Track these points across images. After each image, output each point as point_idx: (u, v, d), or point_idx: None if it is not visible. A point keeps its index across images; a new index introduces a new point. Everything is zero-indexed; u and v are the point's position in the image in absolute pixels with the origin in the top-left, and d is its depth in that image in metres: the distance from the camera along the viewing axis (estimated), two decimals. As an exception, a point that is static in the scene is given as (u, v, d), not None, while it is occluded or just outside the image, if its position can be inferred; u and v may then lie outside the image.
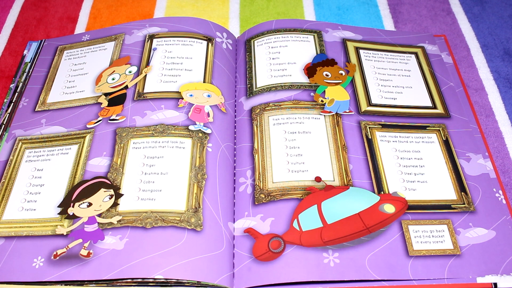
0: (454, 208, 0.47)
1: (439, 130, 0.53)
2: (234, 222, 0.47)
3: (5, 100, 0.58)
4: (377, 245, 0.44)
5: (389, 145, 0.51)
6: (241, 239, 0.45)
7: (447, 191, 0.48)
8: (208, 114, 0.53)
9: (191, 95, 0.54)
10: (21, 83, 0.60)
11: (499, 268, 0.43)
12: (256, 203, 0.47)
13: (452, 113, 0.55)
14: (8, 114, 0.57)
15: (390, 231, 0.45)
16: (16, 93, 0.59)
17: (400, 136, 0.52)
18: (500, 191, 0.49)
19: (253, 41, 0.61)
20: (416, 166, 0.50)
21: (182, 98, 0.54)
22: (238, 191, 0.49)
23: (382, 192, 0.48)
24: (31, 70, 0.61)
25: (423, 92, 0.57)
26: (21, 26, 0.70)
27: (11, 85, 0.60)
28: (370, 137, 0.52)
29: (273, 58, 0.59)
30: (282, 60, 0.59)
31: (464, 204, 0.47)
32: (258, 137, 0.52)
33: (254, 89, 0.56)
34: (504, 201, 0.48)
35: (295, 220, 0.46)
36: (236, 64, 0.61)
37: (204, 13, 0.70)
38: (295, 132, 0.52)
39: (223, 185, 0.49)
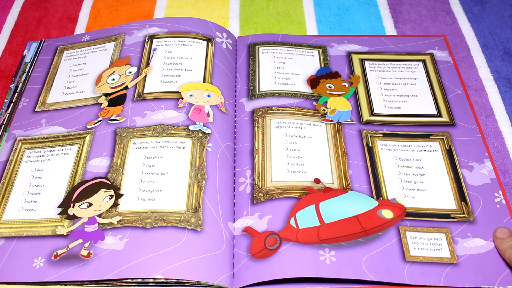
0: (453, 218, 0.47)
1: (442, 138, 0.53)
2: (234, 222, 0.47)
3: (5, 100, 0.58)
4: (374, 247, 0.44)
5: (390, 153, 0.51)
6: (240, 239, 0.45)
7: (447, 200, 0.48)
8: (208, 114, 0.53)
9: (191, 95, 0.54)
10: (21, 83, 0.60)
11: (496, 280, 0.43)
12: (255, 202, 0.47)
13: (458, 121, 0.54)
14: (8, 114, 0.57)
15: (387, 235, 0.45)
16: (16, 93, 0.59)
17: (401, 145, 0.52)
18: (500, 192, 0.48)
19: (258, 47, 0.61)
20: (416, 175, 0.50)
21: (182, 98, 0.54)
22: (238, 191, 0.49)
23: (381, 198, 0.48)
24: (31, 70, 0.61)
25: (428, 100, 0.57)
26: (21, 26, 0.70)
27: (11, 85, 0.60)
28: (371, 145, 0.52)
29: (277, 67, 0.59)
30: (287, 70, 0.59)
31: (463, 214, 0.47)
32: (259, 138, 0.52)
33: (257, 92, 0.56)
34: (504, 202, 0.48)
35: (292, 217, 0.46)
36: (237, 64, 0.61)
37: (204, 13, 0.70)
38: (296, 136, 0.52)
39: (223, 185, 0.49)
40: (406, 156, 0.51)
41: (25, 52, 0.64)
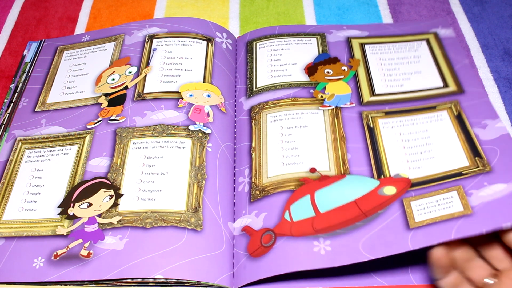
0: (465, 174, 0.43)
1: (450, 107, 0.50)
2: (234, 222, 0.47)
3: (5, 100, 0.58)
4: (374, 227, 0.41)
5: (393, 130, 0.49)
6: (239, 238, 0.45)
7: (457, 160, 0.45)
8: (208, 114, 0.53)
9: (191, 95, 0.54)
10: (21, 83, 0.60)
11: None
12: (252, 200, 0.47)
13: (467, 88, 0.51)
14: (8, 114, 0.57)
15: (388, 211, 0.42)
16: (16, 93, 0.59)
17: (405, 120, 0.50)
18: None
19: (255, 43, 0.61)
20: (422, 145, 0.47)
21: (182, 98, 0.54)
22: (237, 190, 0.49)
23: (383, 177, 0.46)
24: (31, 70, 0.61)
25: (433, 73, 0.54)
26: (21, 26, 0.70)
27: (11, 85, 0.60)
28: (372, 126, 0.50)
29: (274, 60, 0.58)
30: (283, 61, 0.58)
31: (478, 167, 0.44)
32: (256, 135, 0.52)
33: (254, 89, 0.56)
34: None
35: (287, 211, 0.45)
36: (236, 64, 0.61)
37: (204, 13, 0.70)
38: (292, 127, 0.51)
39: (223, 185, 0.49)
40: (411, 130, 0.48)
41: (25, 52, 0.64)
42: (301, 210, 0.44)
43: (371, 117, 0.51)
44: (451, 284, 0.40)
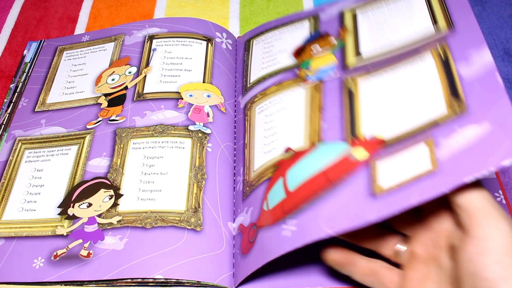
0: (439, 122, 0.37)
1: (436, 49, 0.43)
2: (234, 222, 0.47)
3: (5, 100, 0.58)
4: (337, 196, 0.37)
5: (372, 88, 0.44)
6: (238, 238, 0.45)
7: (435, 109, 0.38)
8: (208, 114, 0.53)
9: (190, 95, 0.54)
10: (21, 83, 0.60)
11: (492, 158, 0.32)
12: (244, 197, 0.47)
13: (457, 21, 0.44)
14: (7, 114, 0.57)
15: (355, 177, 0.37)
16: (16, 93, 0.59)
17: (385, 72, 0.44)
18: (501, 192, 0.48)
19: (252, 41, 0.61)
20: (401, 99, 0.41)
21: (182, 98, 0.54)
22: (236, 190, 0.49)
23: (356, 141, 0.41)
24: (31, 70, 0.61)
25: (423, 16, 0.47)
26: (21, 26, 0.70)
27: (11, 85, 0.60)
28: (351, 89, 0.45)
29: (265, 52, 0.57)
30: (274, 51, 0.56)
31: (453, 110, 0.37)
32: (248, 132, 0.51)
33: (248, 86, 0.56)
34: (504, 201, 0.48)
35: (265, 201, 0.43)
36: (236, 64, 0.61)
37: (204, 13, 0.70)
38: (273, 113, 0.49)
39: (222, 185, 0.49)
40: (391, 83, 0.43)
41: (25, 52, 0.64)
42: (275, 195, 0.42)
43: (351, 79, 0.46)
44: (365, 273, 0.37)
